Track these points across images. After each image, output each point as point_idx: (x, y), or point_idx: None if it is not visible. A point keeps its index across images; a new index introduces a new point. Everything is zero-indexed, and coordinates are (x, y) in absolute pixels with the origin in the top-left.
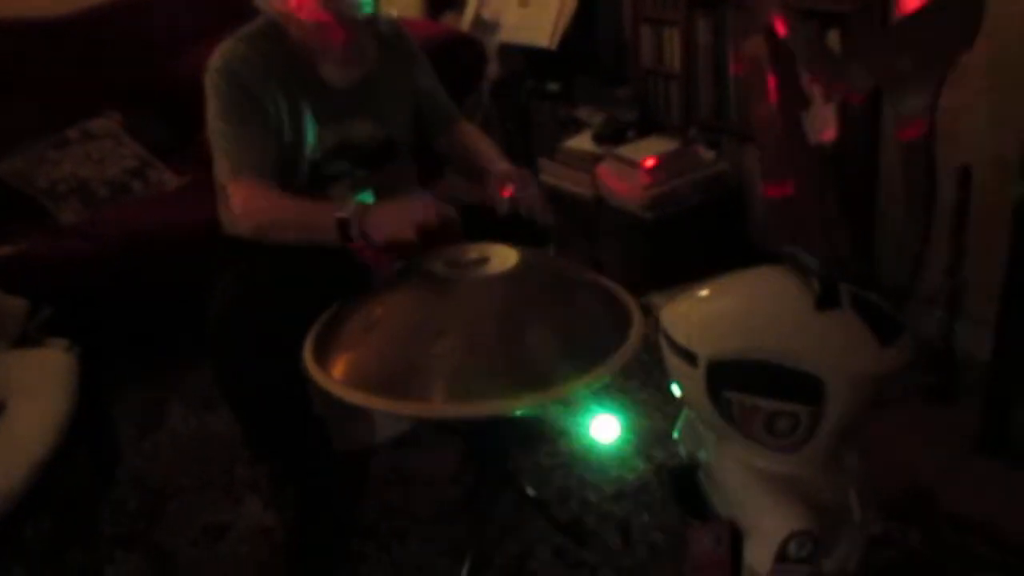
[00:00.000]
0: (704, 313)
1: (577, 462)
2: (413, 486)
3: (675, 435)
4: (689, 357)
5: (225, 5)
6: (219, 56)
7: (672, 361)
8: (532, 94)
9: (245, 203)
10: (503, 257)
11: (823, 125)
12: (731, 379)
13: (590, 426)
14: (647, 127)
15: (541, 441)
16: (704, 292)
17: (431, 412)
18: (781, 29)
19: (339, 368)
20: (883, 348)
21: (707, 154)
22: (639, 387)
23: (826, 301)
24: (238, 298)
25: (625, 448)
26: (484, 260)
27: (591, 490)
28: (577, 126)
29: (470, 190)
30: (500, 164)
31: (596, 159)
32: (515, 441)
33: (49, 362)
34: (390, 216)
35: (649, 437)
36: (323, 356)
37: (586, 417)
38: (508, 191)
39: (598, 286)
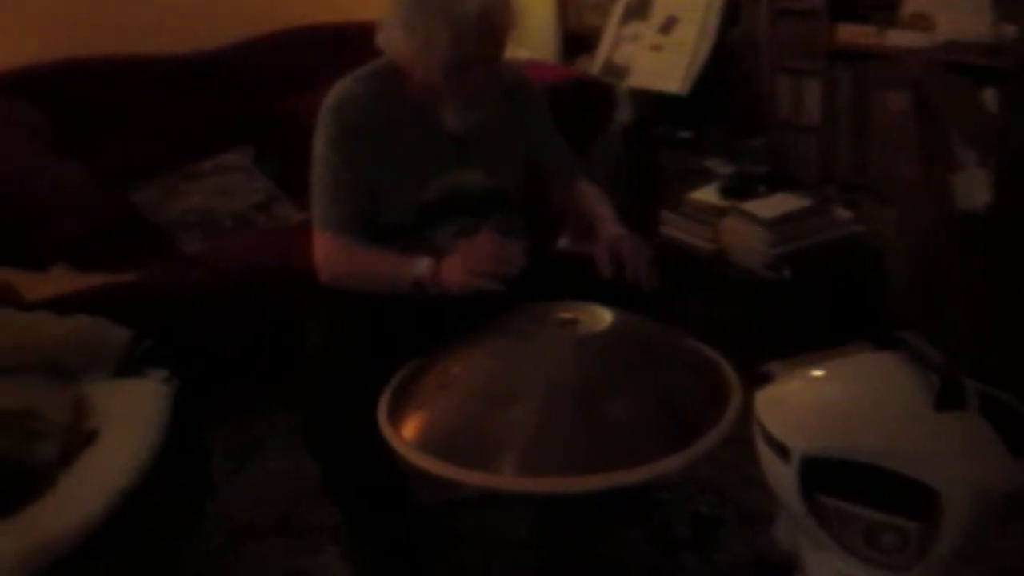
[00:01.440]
0: (802, 401)
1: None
2: (493, 548)
3: (774, 530)
4: (781, 450)
5: (355, 41)
6: (334, 95)
7: (764, 452)
8: (663, 141)
9: (325, 256)
10: (595, 318)
11: (974, 190)
12: (827, 480)
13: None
14: (779, 182)
15: (639, 514)
16: (807, 376)
17: (498, 484)
18: (929, 85)
19: (410, 427)
20: (1016, 460)
21: (843, 214)
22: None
23: (947, 400)
24: (326, 346)
25: (723, 530)
26: (574, 321)
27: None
28: (705, 177)
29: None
30: (611, 226)
31: (721, 213)
32: (607, 511)
33: (144, 393)
34: (457, 268)
35: (752, 519)
36: (397, 413)
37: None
38: (612, 254)
39: (697, 355)
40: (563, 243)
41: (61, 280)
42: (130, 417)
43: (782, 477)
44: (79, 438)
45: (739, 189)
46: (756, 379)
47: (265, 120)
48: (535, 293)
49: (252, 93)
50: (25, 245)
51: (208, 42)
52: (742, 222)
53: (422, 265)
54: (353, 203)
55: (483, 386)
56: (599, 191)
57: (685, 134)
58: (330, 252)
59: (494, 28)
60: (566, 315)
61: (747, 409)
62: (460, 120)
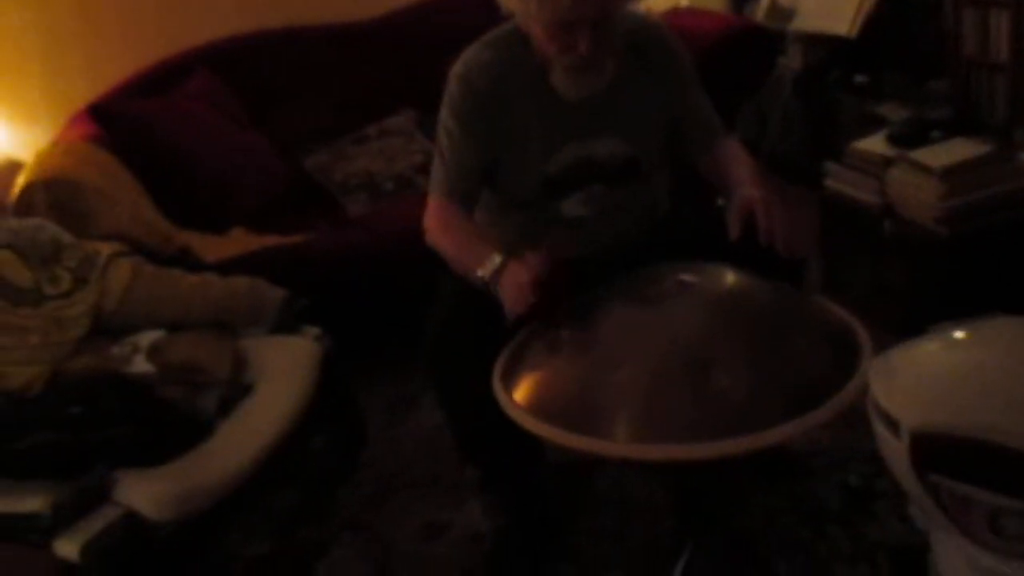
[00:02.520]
0: (916, 371)
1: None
2: (631, 510)
3: (911, 509)
4: (891, 424)
5: None
6: (462, 60)
7: (877, 427)
8: (837, 87)
9: (428, 221)
10: (716, 281)
11: None
12: (941, 459)
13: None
14: (960, 127)
15: (786, 482)
16: (929, 343)
17: (608, 450)
18: None
19: (522, 391)
20: None
21: None
22: None
23: None
24: (452, 315)
25: (876, 503)
26: (692, 283)
27: (826, 546)
28: (881, 124)
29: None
30: (746, 188)
31: (888, 163)
32: (750, 477)
33: (297, 350)
34: (505, 289)
35: None
36: (510, 376)
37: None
38: (742, 217)
39: (829, 319)
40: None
41: (239, 242)
42: (284, 372)
43: (894, 454)
44: (237, 390)
45: (910, 136)
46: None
47: (428, 82)
48: (668, 254)
49: (415, 57)
50: (208, 210)
51: (373, 10)
52: (910, 172)
53: (491, 265)
54: (465, 172)
55: (594, 349)
56: (742, 151)
57: (861, 79)
58: (432, 217)
59: None
60: (686, 277)
61: None
62: (570, 86)
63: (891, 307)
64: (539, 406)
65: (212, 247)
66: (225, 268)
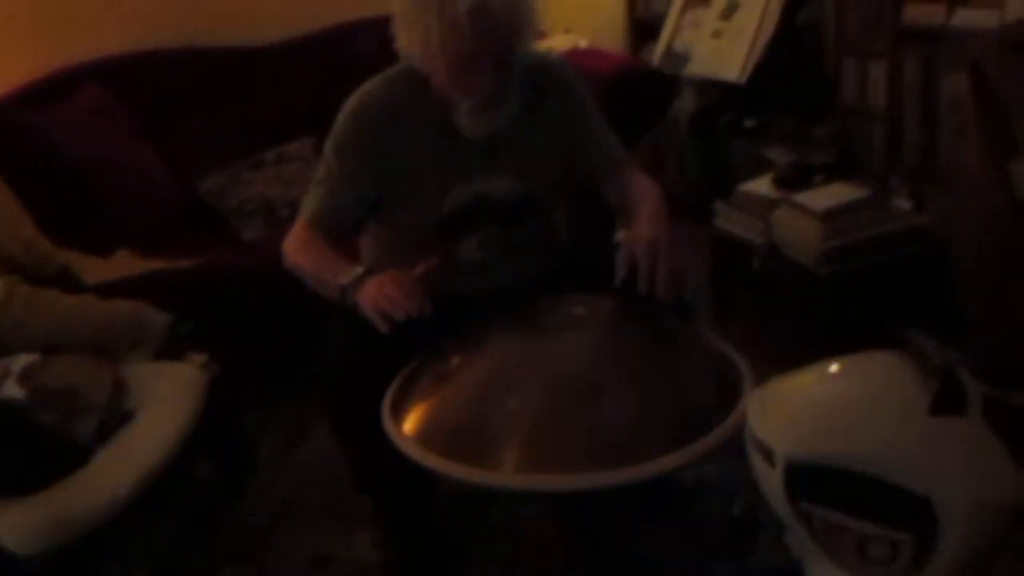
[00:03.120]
0: (790, 402)
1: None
2: (523, 541)
3: (786, 535)
4: (767, 454)
5: None
6: (357, 95)
7: (753, 457)
8: (728, 130)
9: (288, 242)
10: (606, 314)
11: None
12: (813, 488)
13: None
14: (841, 171)
15: (675, 512)
16: (800, 375)
17: (495, 480)
18: (992, 66)
19: (411, 421)
20: (1021, 470)
21: (903, 205)
22: None
23: (944, 404)
24: (348, 340)
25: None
26: (583, 315)
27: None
28: (768, 167)
29: None
30: (641, 226)
31: (772, 204)
32: (639, 507)
33: (180, 376)
34: (368, 295)
35: None
36: (400, 406)
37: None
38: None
39: (713, 353)
40: (620, 235)
41: (123, 264)
42: (166, 399)
43: (770, 483)
44: (117, 416)
45: (794, 179)
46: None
47: (329, 110)
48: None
49: (317, 83)
50: (93, 230)
51: (276, 34)
52: (794, 214)
53: (351, 273)
54: (334, 207)
55: (482, 379)
56: (649, 182)
57: (750, 123)
58: (293, 239)
59: (490, 25)
60: (577, 309)
61: None
62: (475, 124)
63: (774, 342)
64: (428, 437)
65: (95, 268)
66: (107, 291)
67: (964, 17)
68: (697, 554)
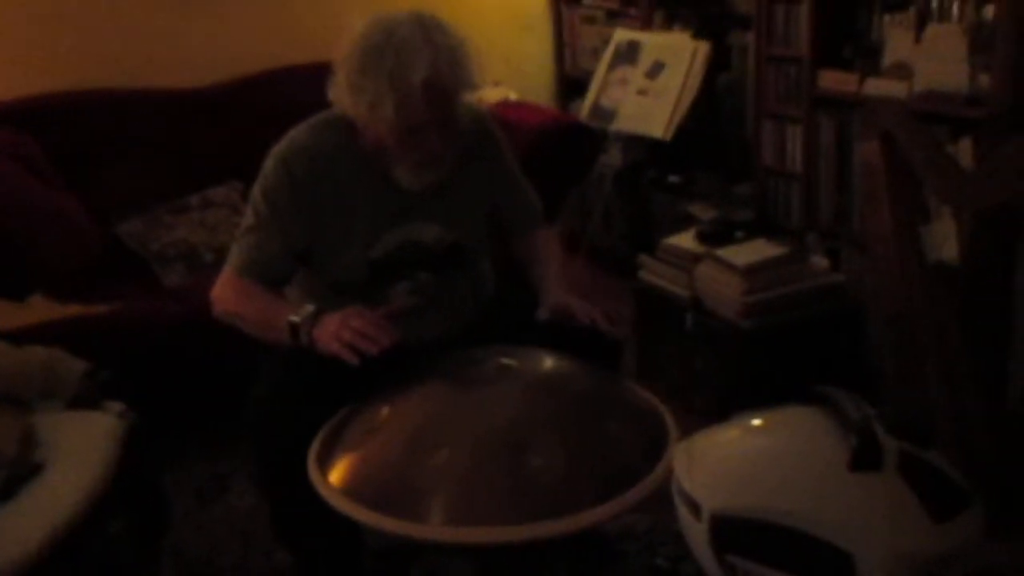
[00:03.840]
0: (715, 456)
1: None
2: None
3: None
4: (693, 506)
5: None
6: (285, 142)
7: (679, 508)
8: (653, 185)
9: (218, 291)
10: (533, 364)
11: (945, 242)
12: (738, 541)
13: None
14: (761, 229)
15: (599, 566)
16: (725, 430)
17: (423, 533)
18: (900, 135)
19: (338, 472)
20: (936, 524)
21: (820, 263)
22: None
23: (862, 460)
24: (274, 388)
25: None
26: (510, 366)
27: None
28: (691, 222)
29: None
30: (558, 292)
31: (696, 259)
32: (563, 562)
33: (95, 426)
34: (328, 331)
35: None
36: (327, 457)
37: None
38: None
39: (639, 405)
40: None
41: (37, 310)
42: (78, 451)
43: (695, 535)
44: (24, 470)
45: (717, 235)
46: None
47: (257, 156)
48: (494, 339)
49: (246, 129)
50: (7, 273)
51: (200, 79)
52: (716, 269)
53: (303, 313)
54: (264, 256)
55: (410, 431)
56: (553, 245)
57: (674, 179)
58: (224, 288)
59: (441, 94)
60: (506, 360)
61: None
62: (414, 180)
63: (698, 393)
64: (355, 488)
65: (6, 314)
66: (20, 338)
67: (875, 86)
68: None
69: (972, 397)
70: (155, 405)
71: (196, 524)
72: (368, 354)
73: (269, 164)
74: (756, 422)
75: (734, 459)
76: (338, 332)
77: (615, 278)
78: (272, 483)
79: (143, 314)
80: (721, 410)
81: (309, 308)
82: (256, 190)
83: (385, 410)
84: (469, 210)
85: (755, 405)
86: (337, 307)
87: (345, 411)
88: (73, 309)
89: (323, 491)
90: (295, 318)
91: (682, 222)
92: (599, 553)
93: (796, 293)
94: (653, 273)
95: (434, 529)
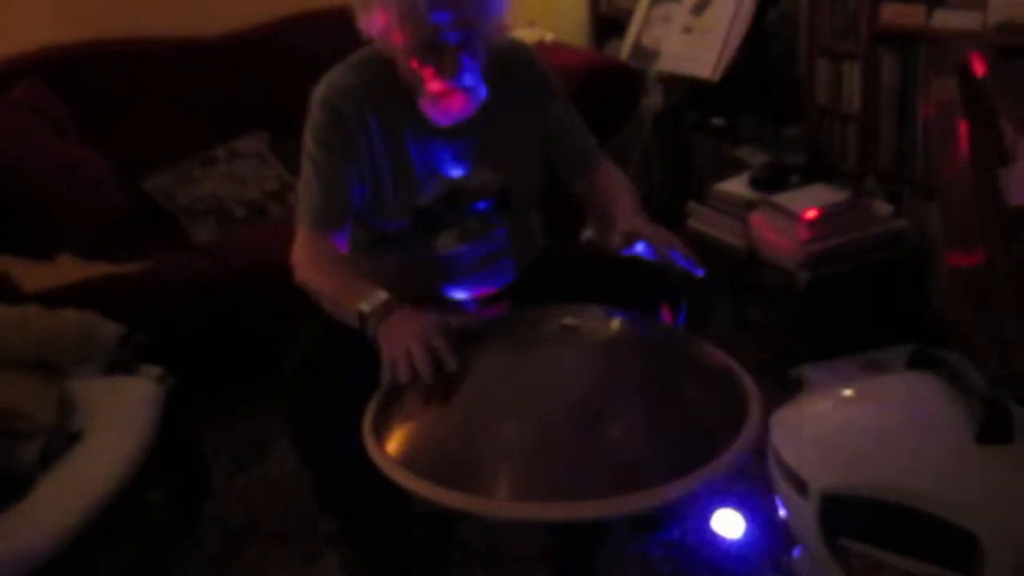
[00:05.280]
0: (823, 428)
1: (688, 559)
2: (501, 562)
3: (795, 560)
4: (798, 484)
5: None
6: (324, 84)
7: (779, 482)
8: (695, 129)
9: (298, 256)
10: (599, 324)
11: None
12: (851, 523)
13: (710, 519)
14: (816, 173)
15: (653, 526)
16: (830, 398)
17: (487, 510)
18: (979, 69)
19: (395, 442)
20: None
21: (883, 208)
22: None
23: (992, 431)
24: (316, 352)
25: (748, 550)
26: (575, 327)
27: None
28: (738, 167)
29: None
30: (632, 218)
31: (751, 206)
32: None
33: (133, 392)
34: (401, 336)
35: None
36: (383, 425)
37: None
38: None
39: (714, 364)
40: (587, 234)
41: (66, 270)
42: (117, 418)
43: (800, 514)
44: (62, 439)
45: (771, 180)
46: (787, 385)
47: (282, 104)
48: (544, 294)
49: (270, 77)
50: (33, 233)
51: (226, 25)
52: (773, 216)
53: (375, 302)
54: (334, 202)
55: (474, 399)
56: (624, 179)
57: (719, 122)
58: (303, 253)
59: (449, 3)
60: (568, 320)
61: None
62: (442, 114)
63: (753, 347)
64: (415, 461)
65: (35, 275)
66: (49, 299)
67: (944, 19)
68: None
69: None
70: (190, 367)
71: (235, 489)
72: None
73: (314, 110)
74: (864, 390)
75: (842, 432)
76: (407, 344)
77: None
78: (312, 450)
79: (174, 272)
80: (779, 366)
81: (379, 296)
82: (307, 139)
83: (442, 377)
84: (521, 152)
85: (815, 359)
86: (379, 259)
87: None
88: (102, 268)
89: (382, 463)
90: (365, 307)
91: (727, 167)
92: (659, 516)
93: (859, 241)
94: (703, 221)
95: (505, 505)
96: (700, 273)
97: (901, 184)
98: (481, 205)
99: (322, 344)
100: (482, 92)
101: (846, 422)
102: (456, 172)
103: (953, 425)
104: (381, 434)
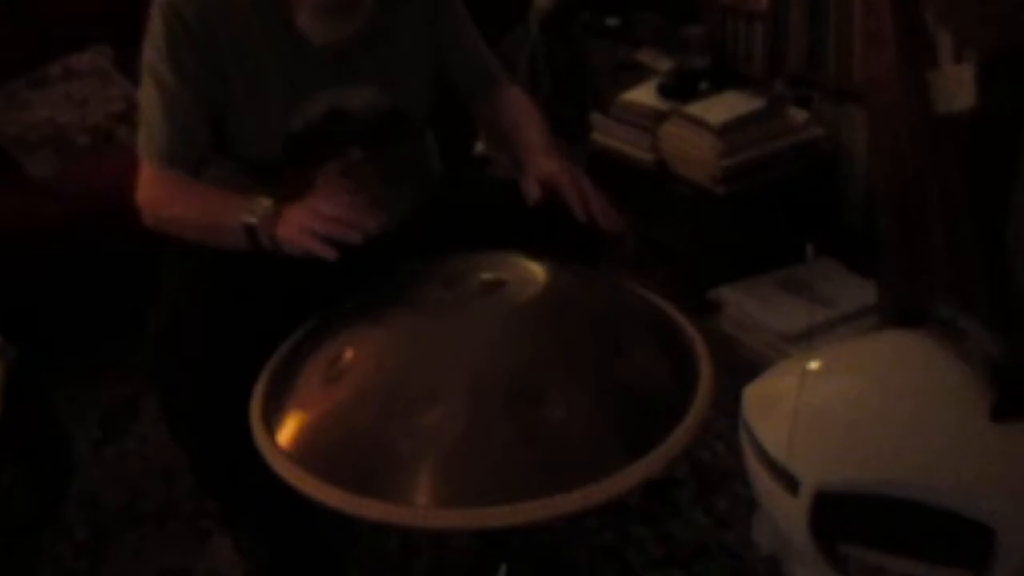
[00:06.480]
0: (811, 410)
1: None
2: (418, 537)
3: (753, 529)
4: (786, 479)
5: None
6: None
7: (759, 476)
8: (587, 30)
9: (146, 192)
10: (525, 277)
11: (956, 90)
12: (850, 523)
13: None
14: (722, 78)
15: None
16: (813, 371)
17: (408, 519)
18: None
19: (289, 431)
20: None
21: (797, 115)
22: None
23: (1008, 408)
24: (184, 311)
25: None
26: (499, 282)
27: (635, 550)
28: (638, 72)
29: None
30: (544, 159)
31: (660, 117)
32: None
33: None
34: (295, 225)
35: (713, 480)
36: (274, 410)
37: None
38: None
39: (650, 312)
40: (480, 147)
41: None
42: None
43: (788, 514)
44: None
45: (679, 88)
46: (705, 308)
47: (126, 12)
48: (448, 237)
49: None
50: None
51: None
52: (686, 127)
53: (259, 209)
54: (187, 129)
55: (382, 378)
56: (530, 105)
57: (613, 21)
58: (152, 187)
59: None
60: (489, 275)
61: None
62: (321, 30)
63: (662, 267)
64: (311, 456)
65: None
66: None
67: None
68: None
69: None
70: (42, 328)
71: (104, 463)
72: (352, 243)
73: (155, 19)
74: (843, 358)
75: (833, 413)
76: (309, 223)
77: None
78: (187, 434)
79: (6, 215)
80: (695, 287)
81: (264, 202)
82: (149, 54)
83: (347, 351)
84: (410, 69)
85: (732, 279)
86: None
87: (287, 348)
88: None
89: (270, 456)
90: (251, 219)
91: (626, 71)
92: None
93: (775, 152)
94: (608, 134)
95: (430, 513)
96: (617, 230)
97: (812, 88)
98: (366, 131)
99: (190, 300)
100: (368, 4)
101: (835, 400)
102: (337, 93)
103: (960, 399)
104: (273, 422)
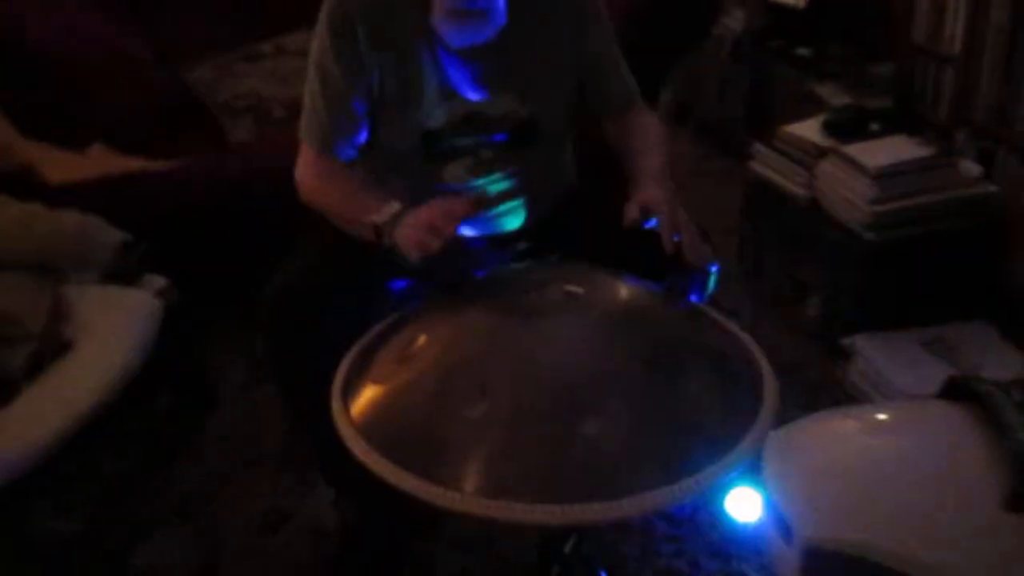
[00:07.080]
0: (821, 459)
1: (697, 541)
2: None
3: None
4: (783, 526)
5: None
6: None
7: (765, 521)
8: (778, 57)
9: (303, 174)
10: (605, 294)
11: None
12: None
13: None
14: (901, 121)
15: None
16: (837, 425)
17: (447, 502)
18: None
19: (360, 406)
20: None
21: (971, 168)
22: None
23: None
24: (300, 276)
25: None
26: (577, 295)
27: None
28: (818, 105)
29: None
30: (651, 185)
31: (820, 153)
32: None
33: (131, 304)
34: (406, 234)
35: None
36: (353, 383)
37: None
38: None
39: (731, 350)
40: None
41: (97, 161)
42: (111, 329)
43: (783, 561)
44: (52, 347)
45: (847, 126)
46: (837, 354)
47: None
48: (561, 245)
49: None
50: (66, 120)
51: None
52: (842, 167)
53: (387, 209)
54: (344, 118)
55: (448, 368)
56: (659, 131)
57: (803, 51)
58: (308, 170)
59: None
60: (571, 287)
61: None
62: (456, 33)
63: (804, 305)
64: (375, 430)
65: (64, 165)
66: (70, 194)
67: None
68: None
69: None
70: (206, 275)
71: (244, 403)
72: (430, 252)
73: (323, 17)
74: (880, 416)
75: (845, 468)
76: (414, 235)
77: (723, 158)
78: (294, 393)
79: (204, 172)
80: (828, 330)
81: (393, 205)
82: (315, 48)
83: (421, 337)
84: (549, 81)
85: (872, 329)
86: (383, 183)
87: (384, 324)
88: (135, 163)
89: (341, 425)
90: (379, 219)
91: (806, 103)
92: None
93: (937, 204)
94: (767, 164)
95: (470, 500)
96: (713, 269)
97: (997, 142)
98: (500, 136)
99: (317, 269)
100: (500, 17)
101: (849, 455)
102: (474, 97)
103: (978, 480)
104: (349, 394)
